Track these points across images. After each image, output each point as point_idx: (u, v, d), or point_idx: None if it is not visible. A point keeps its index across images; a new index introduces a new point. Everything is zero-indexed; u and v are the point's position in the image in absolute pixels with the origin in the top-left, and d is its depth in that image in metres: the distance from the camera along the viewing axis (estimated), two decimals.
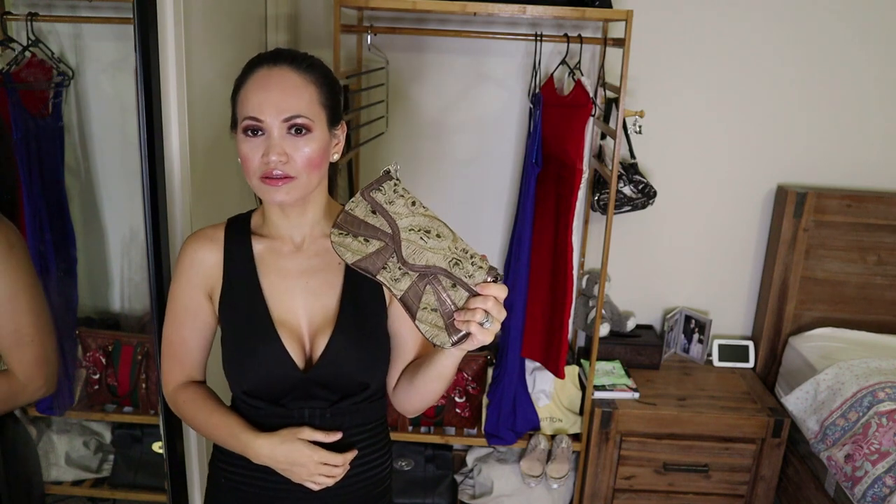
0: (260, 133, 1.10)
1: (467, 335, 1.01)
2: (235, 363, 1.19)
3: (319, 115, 1.12)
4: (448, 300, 1.01)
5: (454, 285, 1.01)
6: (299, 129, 1.10)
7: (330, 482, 1.15)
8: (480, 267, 1.01)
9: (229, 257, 1.21)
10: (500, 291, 1.00)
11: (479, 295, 1.00)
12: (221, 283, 1.20)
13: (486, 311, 0.99)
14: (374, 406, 1.25)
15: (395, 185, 1.06)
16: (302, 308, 1.19)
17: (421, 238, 1.03)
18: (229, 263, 1.20)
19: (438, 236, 1.03)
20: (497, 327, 1.01)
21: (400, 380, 1.23)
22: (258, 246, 1.21)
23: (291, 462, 1.13)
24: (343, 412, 1.20)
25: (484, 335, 1.00)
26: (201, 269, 1.20)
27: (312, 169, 1.12)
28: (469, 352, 2.54)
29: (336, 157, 1.19)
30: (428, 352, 1.16)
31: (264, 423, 1.18)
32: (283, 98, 1.09)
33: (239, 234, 1.22)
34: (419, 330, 1.03)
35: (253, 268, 1.20)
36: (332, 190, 1.31)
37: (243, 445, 1.16)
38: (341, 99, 1.20)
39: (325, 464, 1.14)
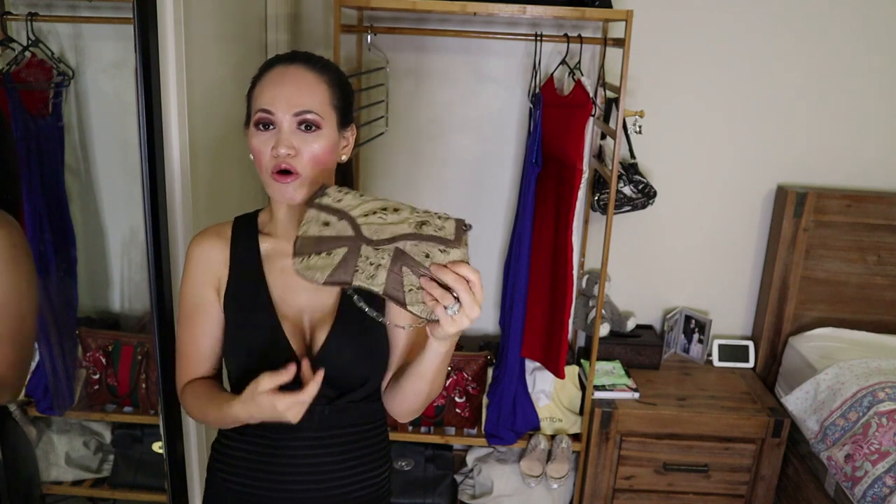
0: (271, 127, 1.13)
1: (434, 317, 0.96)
2: (238, 356, 1.20)
3: (329, 115, 1.15)
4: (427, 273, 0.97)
5: (427, 255, 0.97)
6: (308, 125, 1.13)
7: (303, 408, 1.07)
8: (448, 218, 0.98)
9: (236, 253, 1.23)
10: (472, 274, 0.95)
11: (451, 272, 0.95)
12: (227, 277, 1.22)
13: (455, 298, 0.94)
14: (373, 407, 1.25)
15: (337, 189, 1.05)
16: (304, 304, 1.21)
17: (379, 217, 1.01)
18: (236, 259, 1.22)
19: (396, 210, 1.01)
20: (464, 321, 0.95)
21: (389, 381, 1.24)
22: (265, 244, 1.24)
23: (262, 415, 1.08)
24: (342, 409, 1.20)
25: (448, 324, 0.95)
26: (209, 265, 1.22)
27: (317, 166, 1.15)
28: (469, 352, 2.57)
29: (344, 157, 1.21)
30: (415, 354, 1.16)
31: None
32: (296, 93, 1.13)
33: (246, 232, 1.25)
34: (413, 313, 0.98)
35: (259, 264, 1.22)
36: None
37: (229, 415, 1.12)
38: (353, 102, 1.23)
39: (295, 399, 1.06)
